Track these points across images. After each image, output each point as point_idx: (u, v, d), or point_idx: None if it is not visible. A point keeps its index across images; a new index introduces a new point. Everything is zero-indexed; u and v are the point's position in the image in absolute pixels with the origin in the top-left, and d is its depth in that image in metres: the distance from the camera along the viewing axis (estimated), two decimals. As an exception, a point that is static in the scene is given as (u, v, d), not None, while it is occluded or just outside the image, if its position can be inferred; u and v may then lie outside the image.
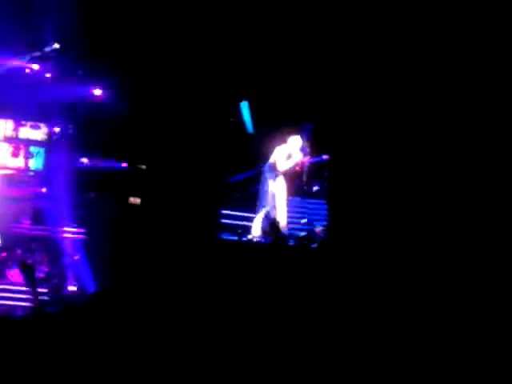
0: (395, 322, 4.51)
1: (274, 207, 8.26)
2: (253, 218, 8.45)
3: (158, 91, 9.62)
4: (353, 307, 4.62)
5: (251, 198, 8.90)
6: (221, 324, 4.53)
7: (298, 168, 8.59)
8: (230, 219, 9.55)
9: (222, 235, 9.16)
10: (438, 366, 4.06)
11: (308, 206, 9.11)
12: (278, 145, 8.65)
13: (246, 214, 9.30)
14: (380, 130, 8.92)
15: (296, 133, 8.75)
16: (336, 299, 4.78)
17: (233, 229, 9.08)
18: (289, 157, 8.39)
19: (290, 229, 8.55)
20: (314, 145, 9.08)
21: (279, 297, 4.87)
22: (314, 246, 8.37)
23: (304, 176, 8.61)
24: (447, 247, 6.66)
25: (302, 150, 8.51)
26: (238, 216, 9.53)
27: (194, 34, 9.02)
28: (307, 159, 8.59)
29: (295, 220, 9.05)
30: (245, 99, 10.01)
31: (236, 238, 8.51)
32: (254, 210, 8.52)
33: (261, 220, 8.25)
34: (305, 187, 8.66)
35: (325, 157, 9.63)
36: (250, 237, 8.24)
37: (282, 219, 8.22)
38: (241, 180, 9.79)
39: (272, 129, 9.29)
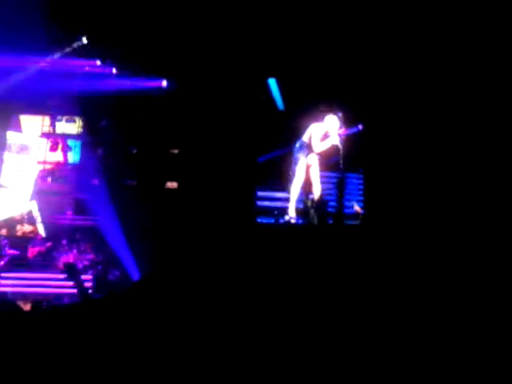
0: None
1: (308, 184, 7.87)
2: (287, 198, 7.95)
3: (187, 75, 9.66)
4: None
5: (284, 177, 8.34)
6: (263, 310, 4.61)
7: (333, 144, 7.85)
8: (264, 201, 9.29)
9: (258, 219, 8.98)
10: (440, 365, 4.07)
11: (345, 180, 8.40)
12: (311, 122, 8.06)
13: (280, 195, 8.85)
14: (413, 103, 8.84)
15: (330, 109, 8.14)
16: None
17: (268, 211, 8.82)
18: (325, 137, 7.79)
19: (328, 205, 7.97)
20: (349, 114, 8.32)
21: (319, 280, 4.88)
22: (352, 223, 8.20)
23: (340, 150, 7.72)
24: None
25: (339, 127, 7.85)
26: (272, 197, 9.22)
27: (224, 11, 8.96)
28: (343, 131, 7.85)
29: (330, 197, 8.44)
30: (273, 76, 9.81)
31: (273, 220, 8.20)
32: (287, 189, 7.98)
33: (296, 200, 7.81)
34: (341, 161, 7.75)
35: (361, 127, 9.33)
36: (287, 218, 7.76)
37: (317, 196, 7.80)
38: (272, 159, 9.51)
39: (303, 105, 8.96)
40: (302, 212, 7.73)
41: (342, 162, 7.66)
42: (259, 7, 8.79)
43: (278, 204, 8.76)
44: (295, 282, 4.85)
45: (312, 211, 7.39)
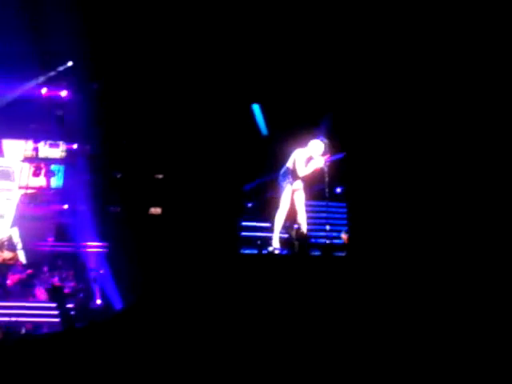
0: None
1: (293, 214, 7.70)
2: (271, 227, 7.75)
3: (170, 102, 9.64)
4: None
5: (268, 206, 8.24)
6: (244, 340, 4.52)
7: (317, 169, 7.82)
8: (247, 231, 8.77)
9: (241, 249, 8.55)
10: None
11: (330, 210, 8.22)
12: (296, 148, 8.02)
13: (263, 224, 8.52)
14: (394, 126, 8.86)
15: (314, 133, 8.16)
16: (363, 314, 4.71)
17: (251, 241, 8.38)
18: (309, 161, 7.76)
19: (311, 237, 7.90)
20: (333, 141, 8.24)
21: (306, 312, 4.80)
22: (340, 254, 7.94)
23: (326, 177, 7.66)
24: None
25: (323, 153, 7.78)
26: (255, 227, 8.77)
27: (206, 38, 8.99)
28: (327, 157, 7.76)
29: (316, 227, 8.32)
30: (256, 102, 9.80)
31: (256, 251, 7.93)
32: (271, 218, 7.75)
33: (280, 230, 7.60)
34: (326, 190, 7.65)
35: (343, 154, 9.02)
36: (270, 249, 7.54)
37: (302, 226, 7.63)
38: (256, 187, 9.25)
39: (287, 131, 8.80)
40: (286, 242, 7.56)
41: (327, 190, 7.59)
42: (242, 33, 8.86)
43: (262, 233, 8.49)
44: (278, 314, 4.77)
45: (296, 242, 7.28)
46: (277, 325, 4.63)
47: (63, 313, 7.77)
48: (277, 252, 7.44)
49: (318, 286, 5.26)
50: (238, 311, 4.90)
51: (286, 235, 7.65)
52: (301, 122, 8.99)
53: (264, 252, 7.64)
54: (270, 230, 7.77)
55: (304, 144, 7.98)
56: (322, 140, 7.89)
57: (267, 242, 7.73)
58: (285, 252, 7.46)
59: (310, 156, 7.80)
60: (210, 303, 5.30)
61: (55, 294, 8.36)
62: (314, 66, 9.25)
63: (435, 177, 8.45)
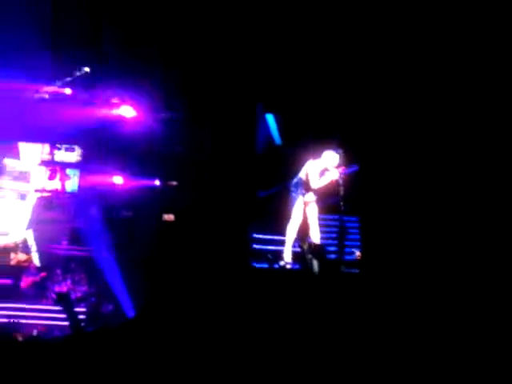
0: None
1: (305, 227, 7.49)
2: (283, 240, 7.54)
3: (185, 108, 9.72)
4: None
5: (279, 217, 7.88)
6: (252, 355, 4.54)
7: (333, 181, 7.55)
8: (257, 243, 8.53)
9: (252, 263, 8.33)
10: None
11: (344, 224, 7.94)
12: (309, 158, 7.79)
13: (274, 237, 8.26)
14: (409, 138, 8.83)
15: (328, 145, 7.87)
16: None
17: (262, 254, 8.13)
18: (323, 173, 7.49)
19: (327, 252, 7.50)
20: (347, 153, 8.05)
21: (317, 330, 4.79)
22: (353, 271, 7.65)
23: (340, 190, 7.34)
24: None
25: (337, 164, 7.50)
26: (267, 239, 8.49)
27: (221, 46, 9.05)
28: (342, 169, 7.48)
29: (329, 242, 7.97)
30: (271, 111, 9.76)
31: (266, 265, 7.68)
32: (282, 231, 7.54)
33: (292, 243, 7.39)
34: (341, 203, 7.33)
35: (357, 167, 8.84)
36: (282, 263, 7.32)
37: (315, 240, 7.41)
38: (269, 196, 8.99)
39: (301, 141, 8.76)
40: (298, 257, 7.33)
41: (342, 203, 7.31)
42: (256, 42, 8.88)
43: (273, 247, 8.28)
44: (288, 331, 4.77)
45: (309, 256, 7.03)
46: (285, 341, 4.64)
47: (71, 318, 7.84)
48: (288, 267, 7.28)
49: (330, 303, 5.21)
50: (247, 325, 4.91)
51: (298, 249, 7.43)
52: (315, 133, 8.87)
53: (275, 266, 7.45)
54: (282, 243, 7.57)
55: (318, 155, 7.74)
56: (336, 151, 7.64)
57: (279, 255, 7.53)
58: (297, 267, 7.28)
59: (324, 168, 7.55)
60: (220, 314, 5.33)
61: (61, 302, 8.44)
62: (329, 76, 9.24)
63: (452, 192, 8.38)
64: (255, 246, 8.57)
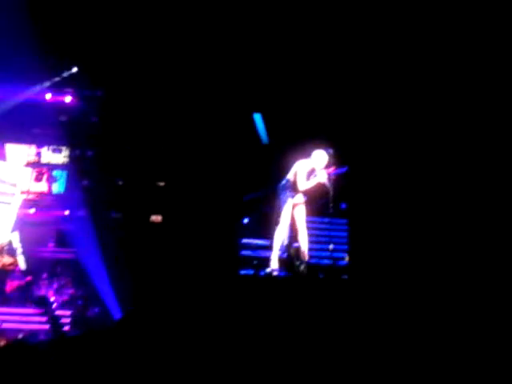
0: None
1: (293, 231, 7.11)
2: (269, 245, 7.17)
3: (173, 110, 9.64)
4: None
5: (266, 222, 7.57)
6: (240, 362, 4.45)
7: (320, 182, 7.26)
8: (244, 249, 8.22)
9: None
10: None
11: (333, 227, 7.70)
12: (298, 158, 7.50)
13: (260, 242, 7.93)
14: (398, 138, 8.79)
15: (318, 144, 7.51)
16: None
17: (247, 260, 7.86)
18: (311, 174, 7.22)
19: (312, 257, 7.21)
20: (336, 154, 7.76)
21: (305, 340, 4.68)
22: (343, 277, 7.45)
23: (330, 191, 7.04)
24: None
25: (327, 165, 7.19)
26: (252, 244, 8.17)
27: (208, 47, 8.97)
28: (331, 170, 7.21)
29: (318, 245, 7.65)
30: (258, 111, 9.66)
31: (252, 271, 7.40)
32: (269, 235, 7.20)
33: (279, 248, 7.00)
34: (330, 205, 7.00)
35: (346, 168, 8.41)
36: (268, 270, 6.96)
37: (303, 245, 7.09)
38: (254, 199, 8.70)
39: (289, 141, 8.53)
40: (285, 263, 7.03)
41: (331, 205, 7.03)
42: (244, 42, 8.81)
43: (259, 252, 7.97)
44: (275, 340, 4.66)
45: (297, 262, 6.84)
46: (273, 350, 4.54)
47: (52, 322, 7.73)
48: (275, 273, 6.93)
49: (319, 311, 5.05)
50: (234, 334, 4.80)
51: (285, 255, 7.14)
52: (304, 132, 8.66)
53: (261, 273, 7.14)
54: (269, 248, 7.23)
55: (307, 155, 7.47)
56: (326, 151, 7.36)
57: (265, 261, 7.23)
58: (283, 274, 6.95)
59: (312, 168, 7.28)
60: (207, 316, 5.25)
61: (40, 305, 8.32)
62: (317, 75, 9.15)
63: (442, 195, 8.32)
64: (241, 251, 8.28)
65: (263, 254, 7.62)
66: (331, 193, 7.08)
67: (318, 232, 7.94)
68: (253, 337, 4.67)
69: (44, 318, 8.02)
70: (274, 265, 7.00)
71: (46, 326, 7.96)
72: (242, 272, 7.75)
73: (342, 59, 8.98)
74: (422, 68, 8.67)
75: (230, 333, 4.76)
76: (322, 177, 7.15)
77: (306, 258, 6.96)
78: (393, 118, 9.00)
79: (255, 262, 7.53)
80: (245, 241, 8.42)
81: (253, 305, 5.25)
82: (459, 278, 6.55)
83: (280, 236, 7.07)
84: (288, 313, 5.02)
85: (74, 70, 9.91)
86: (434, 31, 8.17)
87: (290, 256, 7.04)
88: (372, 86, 9.09)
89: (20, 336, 8.06)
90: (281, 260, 7.04)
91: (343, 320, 4.90)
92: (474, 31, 8.00)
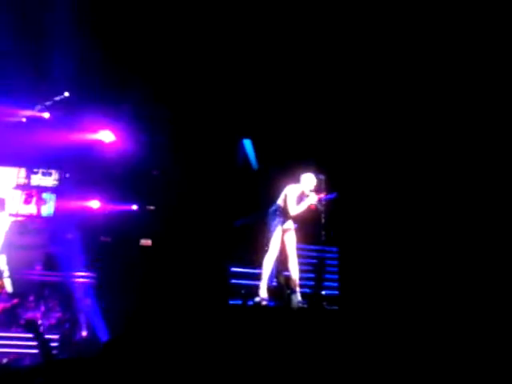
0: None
1: (283, 259, 6.69)
2: (258, 274, 6.74)
3: (162, 134, 9.72)
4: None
5: (255, 248, 7.15)
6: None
7: (312, 207, 6.80)
8: (232, 277, 7.97)
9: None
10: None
11: (325, 255, 7.57)
12: (288, 183, 7.06)
13: (249, 270, 7.65)
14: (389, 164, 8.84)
15: (308, 169, 7.14)
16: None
17: (235, 289, 7.63)
18: (301, 199, 6.82)
19: (302, 286, 6.83)
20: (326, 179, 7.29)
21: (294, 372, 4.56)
22: (333, 307, 7.07)
23: (322, 218, 6.74)
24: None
25: (317, 189, 6.82)
26: (240, 273, 7.92)
27: (199, 74, 9.06)
28: (322, 195, 6.83)
29: (309, 274, 7.44)
30: (248, 136, 9.73)
31: (240, 301, 7.04)
32: (258, 263, 6.77)
33: (268, 277, 6.58)
34: (323, 232, 6.77)
35: (335, 194, 8.00)
36: (257, 300, 6.51)
37: (294, 273, 6.67)
38: (246, 225, 8.48)
39: (279, 166, 8.34)
40: (274, 292, 6.68)
41: (323, 232, 6.77)
42: (233, 68, 8.91)
43: (246, 281, 7.69)
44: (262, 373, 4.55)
45: (287, 291, 6.49)
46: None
47: (42, 346, 7.62)
48: (264, 303, 6.53)
49: (308, 342, 4.87)
50: (221, 365, 4.68)
51: (274, 283, 6.77)
52: (293, 157, 8.55)
53: (249, 303, 6.74)
54: (257, 277, 6.80)
55: (296, 179, 7.06)
56: (317, 176, 6.99)
57: (253, 291, 6.81)
58: (272, 303, 6.60)
59: (302, 192, 6.91)
60: (196, 339, 5.21)
61: (30, 328, 8.23)
62: (305, 100, 9.21)
63: (437, 224, 8.27)
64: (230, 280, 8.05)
65: (251, 282, 7.33)
66: (323, 219, 6.80)
67: (309, 260, 7.72)
68: (241, 368, 4.57)
69: (30, 342, 7.93)
70: (263, 294, 6.57)
71: (32, 350, 7.87)
72: (231, 302, 7.48)
73: (331, 84, 9.03)
74: (412, 92, 8.71)
75: (217, 363, 4.68)
76: (312, 199, 6.80)
77: (297, 287, 6.59)
78: (382, 143, 9.05)
79: (243, 291, 7.24)
80: (233, 269, 8.19)
81: (241, 337, 5.02)
82: (455, 309, 6.49)
83: (269, 264, 6.66)
84: (277, 345, 4.82)
85: (66, 94, 9.98)
86: (426, 53, 8.25)
87: (280, 285, 6.70)
88: (361, 110, 9.13)
89: (5, 360, 7.96)
90: (270, 289, 6.65)
91: (333, 351, 4.77)
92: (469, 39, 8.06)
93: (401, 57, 8.40)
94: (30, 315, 8.62)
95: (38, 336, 7.39)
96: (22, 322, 8.42)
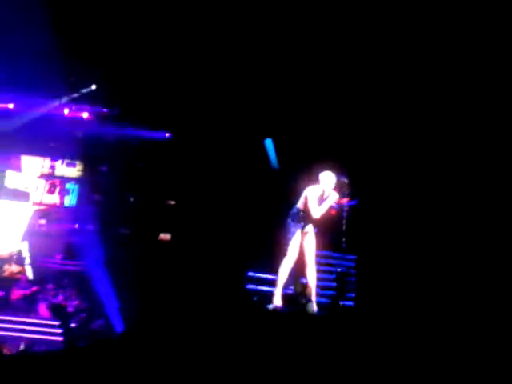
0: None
1: (301, 265, 6.36)
2: (273, 280, 6.44)
3: (185, 132, 9.81)
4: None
5: (272, 253, 6.82)
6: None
7: (333, 212, 6.47)
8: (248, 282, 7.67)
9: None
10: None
11: (345, 263, 7.21)
12: (308, 184, 6.74)
13: (264, 276, 7.41)
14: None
15: (329, 168, 6.74)
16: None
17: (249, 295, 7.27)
18: (322, 199, 6.41)
19: (319, 295, 6.51)
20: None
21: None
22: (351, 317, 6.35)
23: (343, 224, 6.42)
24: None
25: (339, 188, 6.43)
26: (255, 278, 7.63)
27: (221, 73, 9.10)
28: (346, 201, 6.47)
29: (327, 283, 7.03)
30: (269, 136, 9.75)
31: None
32: (274, 269, 6.42)
33: (284, 284, 6.26)
34: (343, 239, 6.42)
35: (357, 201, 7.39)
36: (271, 307, 6.16)
37: (311, 281, 6.31)
38: (262, 228, 8.22)
39: (301, 167, 8.15)
40: (290, 300, 6.38)
41: (344, 239, 6.44)
42: (255, 67, 8.93)
43: (261, 287, 7.35)
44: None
45: (303, 300, 6.19)
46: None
47: (66, 331, 7.75)
48: (278, 311, 6.20)
49: (322, 352, 4.60)
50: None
51: (290, 291, 6.53)
52: (315, 157, 8.07)
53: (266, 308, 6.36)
54: (273, 283, 6.46)
55: (315, 180, 6.69)
56: (341, 179, 6.60)
57: (267, 297, 6.49)
58: (287, 311, 6.27)
59: (322, 192, 6.50)
60: (211, 332, 5.24)
61: (57, 312, 8.37)
62: (328, 99, 9.14)
63: (453, 230, 8.17)
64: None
65: (266, 288, 7.03)
66: (344, 226, 6.46)
67: (328, 268, 7.43)
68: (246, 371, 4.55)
69: (46, 328, 8.07)
70: (277, 301, 6.24)
71: (48, 337, 8.01)
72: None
73: (355, 84, 8.95)
74: (433, 94, 8.63)
75: (224, 364, 4.67)
76: (334, 197, 6.44)
77: (314, 295, 6.26)
78: (405, 149, 8.97)
79: (255, 298, 6.93)
80: (249, 274, 7.94)
81: (252, 343, 4.92)
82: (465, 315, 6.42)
83: (286, 269, 6.31)
84: (289, 354, 4.54)
85: (93, 87, 10.11)
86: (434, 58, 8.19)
87: (296, 292, 6.44)
88: (386, 114, 9.04)
89: (22, 345, 8.11)
90: (285, 296, 6.33)
91: (348, 362, 4.67)
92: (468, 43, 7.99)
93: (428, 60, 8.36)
94: (54, 300, 8.79)
95: (65, 321, 7.50)
96: (49, 307, 8.56)
